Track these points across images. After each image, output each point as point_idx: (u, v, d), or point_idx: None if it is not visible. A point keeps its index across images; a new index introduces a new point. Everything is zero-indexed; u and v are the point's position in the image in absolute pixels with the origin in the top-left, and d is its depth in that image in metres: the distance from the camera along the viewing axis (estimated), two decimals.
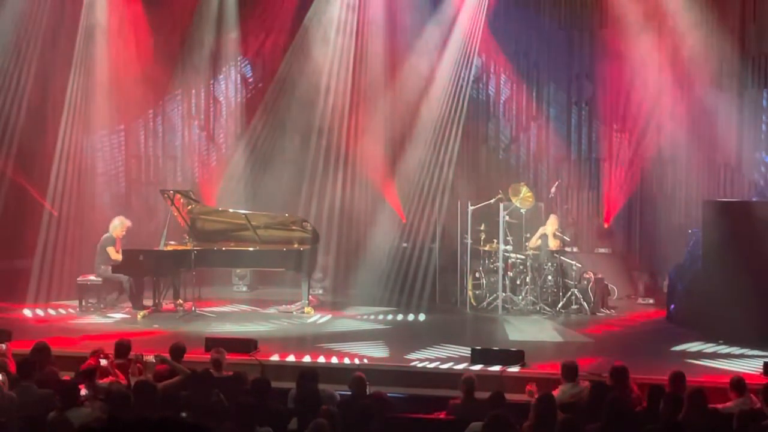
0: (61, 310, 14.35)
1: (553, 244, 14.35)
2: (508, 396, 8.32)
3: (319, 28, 16.71)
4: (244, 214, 14.40)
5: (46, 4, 15.67)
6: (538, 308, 14.20)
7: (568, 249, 15.00)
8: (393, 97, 16.89)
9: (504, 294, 14.28)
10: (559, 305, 14.21)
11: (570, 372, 8.81)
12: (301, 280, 14.32)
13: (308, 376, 8.43)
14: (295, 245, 14.21)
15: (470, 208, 14.64)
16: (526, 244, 14.51)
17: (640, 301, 15.43)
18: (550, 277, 14.37)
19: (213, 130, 18.16)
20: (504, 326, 13.32)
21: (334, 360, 10.91)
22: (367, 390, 8.49)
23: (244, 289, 16.37)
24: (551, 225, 14.55)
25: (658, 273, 16.15)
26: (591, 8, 16.74)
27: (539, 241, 14.52)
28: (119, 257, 13.98)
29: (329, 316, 14.03)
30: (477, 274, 14.73)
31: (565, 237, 14.47)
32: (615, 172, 16.97)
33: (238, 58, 17.90)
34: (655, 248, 16.58)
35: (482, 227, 14.69)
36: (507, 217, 14.44)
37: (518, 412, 7.56)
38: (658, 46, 15.70)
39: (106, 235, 14.40)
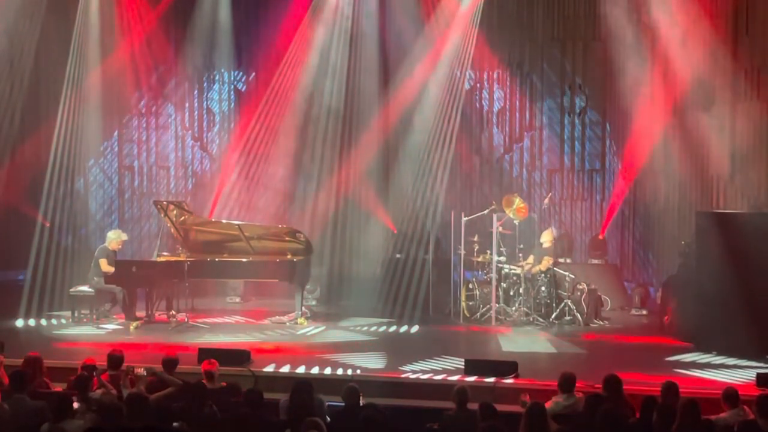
0: (54, 321, 14.31)
1: (545, 262, 14.32)
2: (502, 407, 8.30)
3: (312, 39, 16.73)
4: (237, 224, 14.39)
5: (39, 14, 15.67)
6: (531, 319, 14.20)
7: (561, 260, 15.01)
8: (386, 107, 16.92)
9: (497, 305, 14.28)
10: (552, 316, 14.21)
11: (567, 383, 8.78)
12: (294, 291, 14.30)
13: (302, 387, 8.41)
14: (289, 256, 14.19)
15: (464, 219, 14.64)
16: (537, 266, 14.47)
17: (633, 312, 15.42)
18: (543, 288, 14.37)
19: (206, 141, 18.18)
20: (497, 337, 13.32)
21: (328, 371, 10.89)
22: (361, 401, 8.47)
23: (237, 300, 16.34)
24: (545, 238, 14.58)
25: (651, 284, 16.18)
26: (584, 19, 16.82)
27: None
28: (110, 269, 13.95)
29: (323, 327, 14.02)
30: (470, 285, 14.73)
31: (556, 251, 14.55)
32: (609, 183, 17.02)
33: (232, 69, 17.94)
34: (649, 259, 16.62)
35: (476, 238, 14.70)
36: (500, 228, 14.46)
37: (511, 422, 7.54)
38: (651, 57, 15.76)
39: (101, 246, 14.37)
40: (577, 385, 8.94)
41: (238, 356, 11.03)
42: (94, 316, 14.15)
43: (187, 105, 18.17)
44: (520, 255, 14.67)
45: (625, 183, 16.56)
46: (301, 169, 16.97)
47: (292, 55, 16.77)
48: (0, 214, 15.82)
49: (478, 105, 17.49)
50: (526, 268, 14.33)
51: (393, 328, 14.10)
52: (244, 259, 14.18)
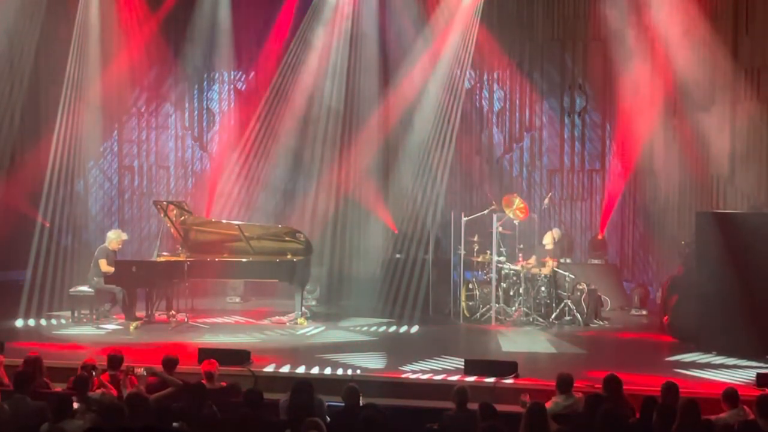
0: (54, 321, 14.30)
1: (548, 266, 14.32)
2: (502, 407, 8.30)
3: (312, 39, 16.73)
4: (237, 224, 14.39)
5: (39, 15, 15.67)
6: (531, 319, 14.19)
7: (561, 260, 15.01)
8: (386, 107, 16.92)
9: (497, 305, 14.27)
10: (552, 316, 14.21)
11: (565, 383, 8.78)
12: (294, 291, 14.29)
13: (302, 387, 8.41)
14: (289, 256, 14.18)
15: (464, 219, 14.64)
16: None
17: (633, 312, 15.41)
18: (543, 289, 14.37)
19: (206, 141, 18.19)
20: (497, 337, 13.32)
21: (328, 371, 10.89)
22: (361, 401, 8.47)
23: (237, 300, 16.34)
24: (548, 239, 14.58)
25: (651, 284, 16.18)
26: (584, 20, 16.81)
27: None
28: (110, 269, 13.95)
29: (322, 328, 14.01)
30: (470, 285, 14.73)
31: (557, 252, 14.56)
32: (608, 183, 17.01)
33: (232, 69, 17.93)
34: (648, 259, 16.61)
35: (476, 238, 14.70)
36: (500, 228, 14.46)
37: (511, 422, 7.54)
38: (651, 57, 15.75)
39: (101, 246, 14.37)
40: (577, 385, 8.94)
41: (238, 356, 11.03)
42: (94, 316, 14.15)
43: (186, 105, 18.18)
44: (520, 255, 14.67)
45: (623, 182, 16.57)
46: (301, 168, 16.97)
47: (292, 55, 16.77)
48: (0, 214, 15.80)
49: (478, 105, 17.48)
50: (527, 267, 14.31)
51: (393, 328, 14.10)
52: (244, 259, 14.18)
